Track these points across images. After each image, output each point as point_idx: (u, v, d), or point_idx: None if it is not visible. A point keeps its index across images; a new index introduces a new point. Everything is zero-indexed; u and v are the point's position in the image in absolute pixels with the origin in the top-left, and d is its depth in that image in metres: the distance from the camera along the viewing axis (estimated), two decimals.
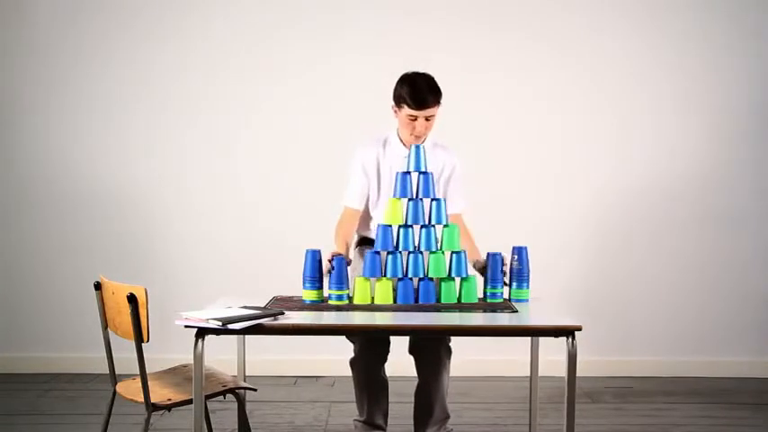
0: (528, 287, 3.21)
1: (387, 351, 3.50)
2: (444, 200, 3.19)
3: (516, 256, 3.20)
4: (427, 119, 3.26)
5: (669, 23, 4.88)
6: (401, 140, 3.38)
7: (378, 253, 3.12)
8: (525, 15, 4.86)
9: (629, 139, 4.91)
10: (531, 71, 4.87)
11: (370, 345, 3.44)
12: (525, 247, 3.22)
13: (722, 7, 4.87)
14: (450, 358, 3.48)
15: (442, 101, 3.28)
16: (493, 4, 4.86)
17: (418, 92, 3.22)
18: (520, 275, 3.19)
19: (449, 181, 3.45)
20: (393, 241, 3.13)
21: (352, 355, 3.50)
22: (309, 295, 3.13)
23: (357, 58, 4.78)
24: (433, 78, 3.30)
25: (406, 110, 3.25)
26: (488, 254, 3.21)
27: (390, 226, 3.13)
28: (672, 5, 4.87)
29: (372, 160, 3.39)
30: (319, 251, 3.17)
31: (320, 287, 3.14)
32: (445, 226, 3.16)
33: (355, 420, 3.59)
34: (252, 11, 4.85)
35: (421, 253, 3.13)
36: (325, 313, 2.97)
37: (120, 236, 4.88)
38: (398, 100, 3.29)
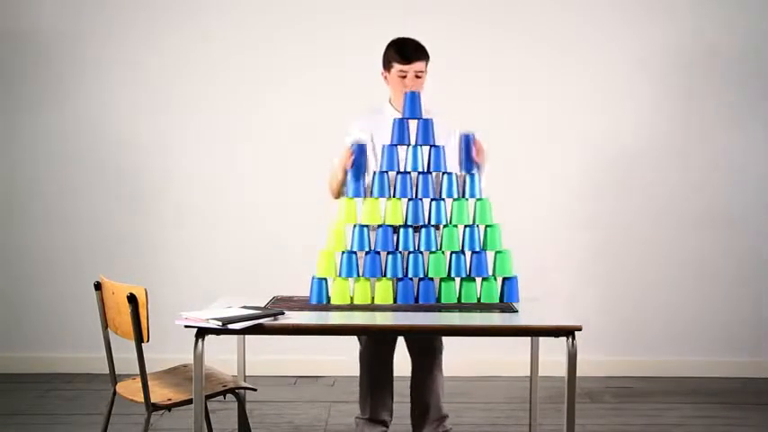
0: (479, 178, 3.17)
1: (395, 340, 3.54)
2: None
3: (463, 144, 3.17)
4: (417, 76, 3.29)
5: (668, 23, 4.88)
6: (395, 108, 3.38)
7: (378, 253, 3.12)
8: (524, 16, 4.87)
9: (628, 139, 4.91)
10: (529, 71, 4.87)
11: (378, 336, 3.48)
12: (472, 134, 3.18)
13: (721, 6, 4.87)
14: (441, 353, 3.52)
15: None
16: (493, 4, 4.86)
17: (405, 47, 3.31)
18: (468, 162, 3.16)
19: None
20: (393, 241, 3.13)
21: (360, 347, 3.53)
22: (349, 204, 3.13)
23: (357, 59, 4.77)
24: (418, 41, 3.37)
25: (396, 67, 3.29)
26: (461, 135, 3.19)
27: (391, 226, 3.13)
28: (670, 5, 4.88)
29: (367, 132, 3.36)
30: (365, 144, 3.19)
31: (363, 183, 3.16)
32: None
33: (357, 418, 3.60)
34: (252, 11, 4.85)
35: (421, 253, 3.13)
36: (325, 313, 2.97)
37: (120, 236, 4.88)
38: (387, 61, 3.36)
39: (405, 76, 3.30)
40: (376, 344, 3.51)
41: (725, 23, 4.88)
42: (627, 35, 4.88)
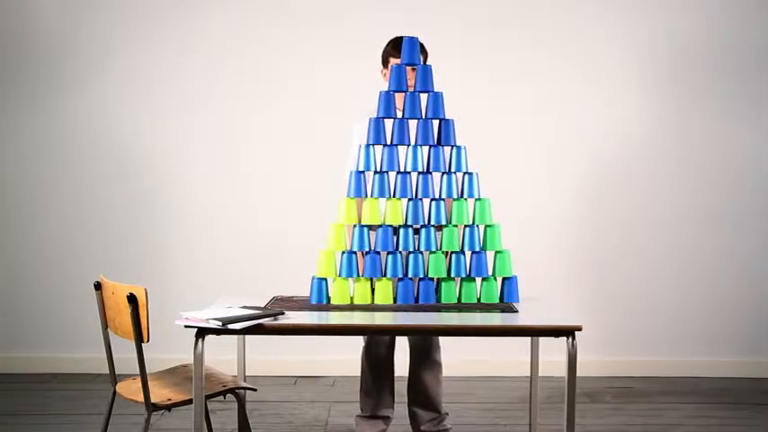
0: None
1: (395, 338, 3.57)
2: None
3: None
4: (414, 69, 3.30)
5: (666, 22, 4.88)
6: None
7: (378, 253, 3.12)
8: (524, 16, 4.87)
9: (627, 140, 4.91)
10: (527, 72, 4.87)
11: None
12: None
13: (719, 6, 4.87)
14: (439, 348, 3.55)
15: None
16: (493, 5, 4.86)
17: (398, 40, 3.37)
18: None
19: None
20: (393, 241, 3.13)
21: (364, 345, 3.56)
22: None
23: (358, 59, 4.78)
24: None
25: (392, 62, 3.35)
26: None
27: (391, 226, 3.13)
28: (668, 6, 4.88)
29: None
30: None
31: None
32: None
33: (358, 416, 3.60)
34: (253, 10, 4.85)
35: (421, 253, 3.13)
36: (325, 313, 2.97)
37: (120, 236, 4.88)
38: (385, 57, 3.45)
39: None
40: (377, 342, 3.52)
41: (727, 22, 4.87)
42: (624, 35, 4.88)
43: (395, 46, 3.39)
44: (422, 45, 3.39)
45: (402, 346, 3.64)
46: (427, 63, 3.43)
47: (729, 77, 4.90)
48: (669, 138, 4.92)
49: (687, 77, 4.90)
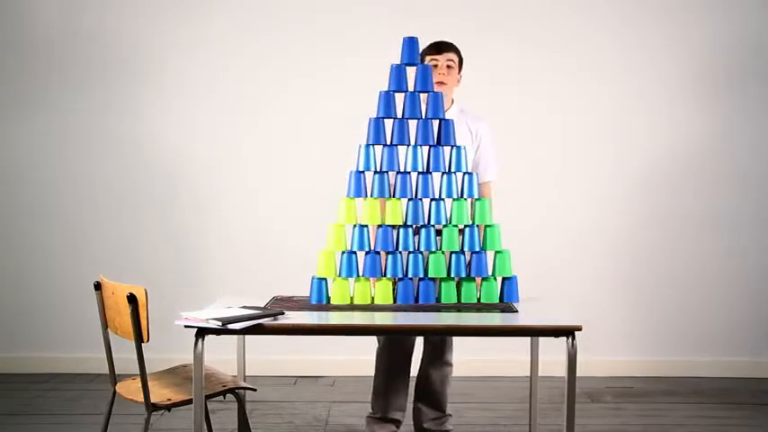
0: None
1: (414, 344, 3.57)
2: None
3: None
4: (449, 66, 3.42)
5: (666, 22, 4.88)
6: None
7: (378, 253, 3.12)
8: (525, 16, 4.87)
9: (631, 142, 4.91)
10: (530, 72, 4.87)
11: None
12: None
13: (720, 6, 4.87)
14: (452, 353, 3.55)
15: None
16: (493, 5, 4.86)
17: (437, 41, 3.49)
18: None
19: (478, 149, 3.53)
20: (393, 241, 3.13)
21: (378, 346, 3.57)
22: None
23: (360, 58, 4.78)
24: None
25: (427, 59, 3.44)
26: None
27: (391, 226, 3.13)
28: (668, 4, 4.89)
29: None
30: None
31: None
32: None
33: (368, 416, 3.60)
34: (256, 10, 4.85)
35: (421, 253, 3.13)
36: (325, 313, 2.98)
37: (120, 236, 4.88)
38: (422, 57, 3.49)
39: (436, 65, 3.42)
40: (397, 345, 3.51)
41: (723, 21, 4.88)
42: (625, 34, 4.88)
43: (429, 45, 3.48)
44: (456, 48, 3.51)
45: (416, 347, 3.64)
46: (462, 67, 3.56)
47: (732, 83, 4.90)
48: (670, 138, 4.92)
49: (696, 81, 4.90)
